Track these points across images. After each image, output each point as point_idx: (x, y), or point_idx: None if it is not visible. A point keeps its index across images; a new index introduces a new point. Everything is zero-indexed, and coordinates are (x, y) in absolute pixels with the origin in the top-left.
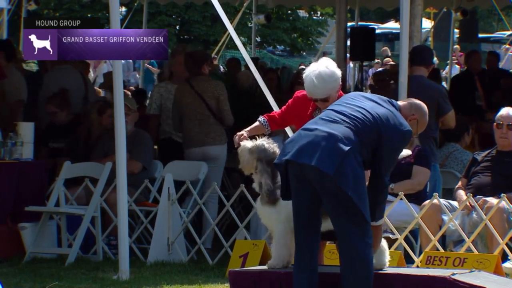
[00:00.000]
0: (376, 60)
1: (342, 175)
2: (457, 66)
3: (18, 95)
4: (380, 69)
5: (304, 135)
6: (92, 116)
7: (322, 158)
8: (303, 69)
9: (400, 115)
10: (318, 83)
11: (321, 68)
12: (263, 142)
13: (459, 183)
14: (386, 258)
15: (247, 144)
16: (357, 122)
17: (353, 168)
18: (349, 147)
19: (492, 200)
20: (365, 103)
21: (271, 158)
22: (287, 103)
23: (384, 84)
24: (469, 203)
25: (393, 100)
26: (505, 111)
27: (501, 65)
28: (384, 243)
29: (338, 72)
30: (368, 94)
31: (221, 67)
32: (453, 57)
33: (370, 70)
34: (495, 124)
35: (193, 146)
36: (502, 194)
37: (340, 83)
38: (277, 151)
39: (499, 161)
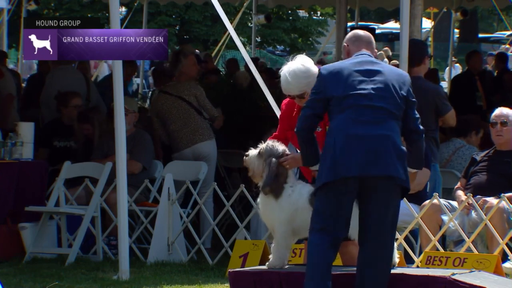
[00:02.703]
0: None
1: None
2: (458, 65)
3: (7, 90)
4: None
5: (356, 143)
6: (74, 125)
7: (394, 165)
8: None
9: (390, 66)
10: (292, 79)
11: (296, 65)
12: (269, 142)
13: (458, 183)
14: (396, 256)
15: (254, 151)
16: (390, 107)
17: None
18: (403, 147)
19: (492, 200)
20: (373, 78)
21: (279, 156)
22: (279, 117)
23: None
24: (468, 202)
25: (365, 54)
26: (498, 110)
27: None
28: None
29: (314, 69)
30: (357, 65)
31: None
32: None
33: None
34: (490, 124)
35: (183, 147)
36: (502, 194)
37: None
38: (285, 149)
39: (498, 160)
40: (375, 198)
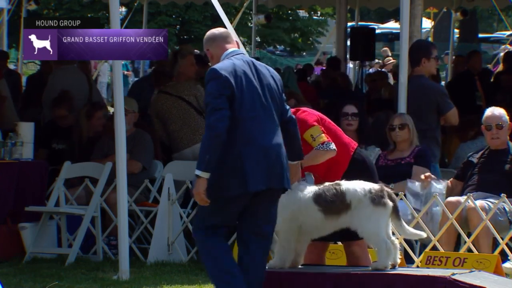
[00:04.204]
0: (376, 60)
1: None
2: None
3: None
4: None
5: (261, 155)
6: (81, 119)
7: (287, 177)
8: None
9: (262, 63)
10: None
11: None
12: None
13: (448, 182)
14: (396, 256)
15: None
16: (276, 107)
17: None
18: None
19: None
20: (263, 80)
21: None
22: None
23: (376, 85)
24: (425, 177)
25: (241, 52)
26: (490, 111)
27: (501, 66)
28: (396, 241)
29: None
30: (245, 65)
31: None
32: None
33: (370, 70)
34: (483, 127)
35: (183, 147)
36: (502, 194)
37: None
38: None
39: (496, 160)
40: (264, 203)
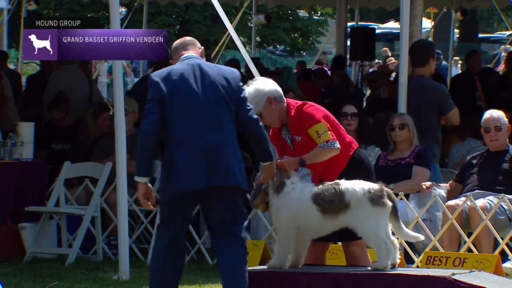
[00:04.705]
0: (376, 60)
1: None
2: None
3: (3, 92)
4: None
5: (191, 153)
6: (87, 120)
7: (233, 173)
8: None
9: (216, 65)
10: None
11: (247, 89)
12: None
13: (448, 185)
14: (396, 256)
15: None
16: (221, 108)
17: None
18: (238, 150)
19: (479, 201)
20: (203, 80)
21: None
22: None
23: (375, 85)
24: (427, 186)
25: (192, 56)
26: (489, 114)
27: (501, 66)
28: (395, 241)
29: (263, 88)
30: (185, 67)
31: None
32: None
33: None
34: (482, 129)
35: None
36: (502, 194)
37: (270, 97)
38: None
39: (495, 160)
40: (219, 203)
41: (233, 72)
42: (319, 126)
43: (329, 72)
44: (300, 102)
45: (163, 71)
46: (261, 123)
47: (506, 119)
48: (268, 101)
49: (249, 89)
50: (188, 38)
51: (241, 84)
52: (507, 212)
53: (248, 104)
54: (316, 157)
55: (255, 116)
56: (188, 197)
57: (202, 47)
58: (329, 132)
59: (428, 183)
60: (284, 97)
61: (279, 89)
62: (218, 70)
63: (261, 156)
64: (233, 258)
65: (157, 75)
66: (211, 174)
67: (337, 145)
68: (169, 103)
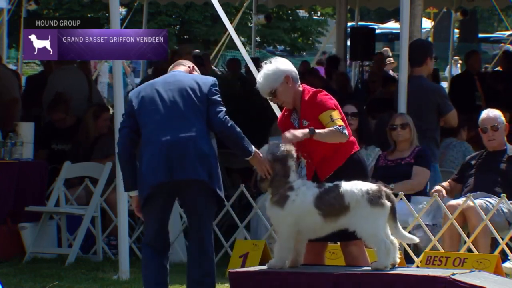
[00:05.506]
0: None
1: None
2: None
3: (11, 94)
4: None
5: (155, 150)
6: (87, 120)
7: (194, 168)
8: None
9: (189, 74)
10: (262, 80)
11: (266, 66)
12: (272, 141)
13: (446, 184)
14: (396, 256)
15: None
16: (187, 110)
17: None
18: (209, 146)
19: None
20: (170, 87)
21: (281, 155)
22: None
23: (374, 86)
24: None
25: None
26: (485, 114)
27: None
28: (395, 240)
29: (283, 67)
30: (158, 80)
31: (215, 68)
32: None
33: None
34: (479, 129)
35: None
36: (502, 194)
37: (288, 75)
38: (288, 148)
39: (493, 160)
40: (189, 197)
41: (206, 78)
42: (334, 113)
43: (322, 72)
44: (316, 89)
45: (140, 86)
46: (231, 123)
47: (503, 118)
48: (286, 79)
49: (268, 66)
50: (179, 61)
51: (214, 88)
52: (505, 215)
53: (220, 107)
54: (326, 136)
55: (225, 117)
56: (157, 193)
57: (193, 65)
58: (341, 120)
59: (437, 188)
60: (299, 81)
61: (297, 72)
62: (191, 77)
63: (241, 154)
64: (195, 250)
65: (133, 91)
66: (175, 168)
67: (346, 132)
68: (138, 112)
